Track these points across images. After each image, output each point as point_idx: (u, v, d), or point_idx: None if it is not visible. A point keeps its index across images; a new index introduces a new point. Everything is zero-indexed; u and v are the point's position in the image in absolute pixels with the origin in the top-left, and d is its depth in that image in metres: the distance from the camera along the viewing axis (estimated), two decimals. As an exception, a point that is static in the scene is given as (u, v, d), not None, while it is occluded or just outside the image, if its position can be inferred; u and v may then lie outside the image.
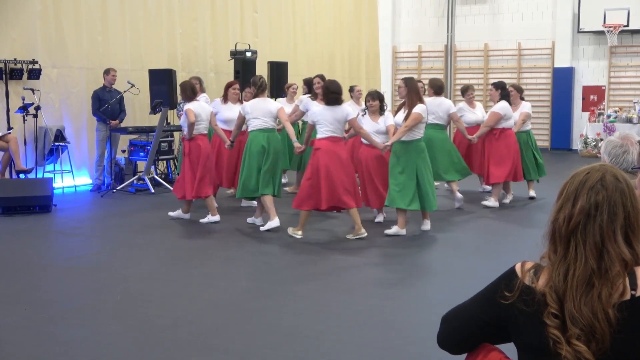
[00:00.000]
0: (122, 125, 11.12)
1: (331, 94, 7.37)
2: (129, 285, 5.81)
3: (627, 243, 1.86)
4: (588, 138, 16.05)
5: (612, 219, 1.86)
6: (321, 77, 9.55)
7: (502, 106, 9.26)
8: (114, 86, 10.91)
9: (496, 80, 10.00)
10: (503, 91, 9.40)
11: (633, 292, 1.82)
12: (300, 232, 7.45)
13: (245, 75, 11.89)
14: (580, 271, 1.84)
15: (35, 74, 10.34)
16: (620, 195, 1.88)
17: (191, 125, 8.04)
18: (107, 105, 10.58)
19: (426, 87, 9.91)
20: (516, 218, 8.80)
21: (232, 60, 12.47)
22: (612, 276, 1.82)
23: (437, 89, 9.38)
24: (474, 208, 9.28)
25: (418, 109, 7.34)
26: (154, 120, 11.28)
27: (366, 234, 7.40)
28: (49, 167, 10.64)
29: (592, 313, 1.80)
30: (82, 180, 11.11)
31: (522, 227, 8.27)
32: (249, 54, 12.41)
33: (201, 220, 8.23)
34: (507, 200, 9.66)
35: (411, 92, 7.44)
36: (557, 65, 17.49)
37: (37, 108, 10.00)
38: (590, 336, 1.79)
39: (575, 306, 1.81)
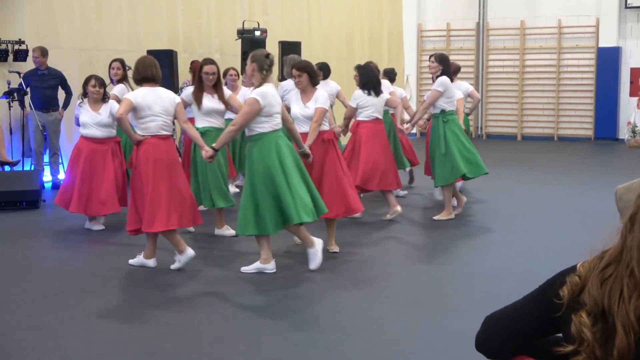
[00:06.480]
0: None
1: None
2: (124, 289, 5.82)
3: None
4: (636, 126, 15.94)
5: None
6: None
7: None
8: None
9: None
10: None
11: None
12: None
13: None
14: None
15: (21, 55, 10.36)
16: None
17: (120, 121, 6.18)
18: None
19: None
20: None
21: (239, 40, 12.46)
22: None
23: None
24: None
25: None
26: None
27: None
28: (38, 159, 10.68)
29: None
30: (74, 173, 11.12)
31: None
32: (257, 33, 12.39)
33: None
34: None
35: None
36: (601, 44, 17.33)
37: (25, 94, 10.03)
38: None
39: None
